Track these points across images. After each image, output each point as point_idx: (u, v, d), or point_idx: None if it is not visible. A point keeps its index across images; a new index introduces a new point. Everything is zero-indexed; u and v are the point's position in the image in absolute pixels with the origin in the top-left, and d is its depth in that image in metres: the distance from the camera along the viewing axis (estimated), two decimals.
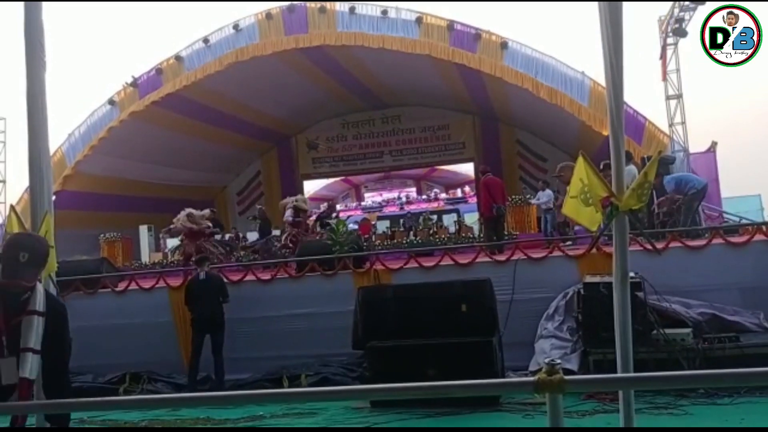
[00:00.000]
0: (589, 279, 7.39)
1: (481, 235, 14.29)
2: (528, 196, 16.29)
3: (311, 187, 25.43)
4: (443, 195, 28.78)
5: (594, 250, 8.02)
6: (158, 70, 16.33)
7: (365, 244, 13.98)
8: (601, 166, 6.90)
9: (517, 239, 12.72)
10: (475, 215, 17.99)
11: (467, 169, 24.35)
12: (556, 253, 8.48)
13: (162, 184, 19.41)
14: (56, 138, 16.76)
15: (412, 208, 26.08)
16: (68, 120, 25.05)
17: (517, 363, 7.44)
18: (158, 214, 19.44)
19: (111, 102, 16.60)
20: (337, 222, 9.89)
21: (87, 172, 17.01)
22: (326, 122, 22.81)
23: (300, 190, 23.15)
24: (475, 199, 23.85)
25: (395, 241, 16.49)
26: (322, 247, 9.77)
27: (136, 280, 9.73)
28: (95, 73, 39.96)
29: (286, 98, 19.19)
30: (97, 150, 16.68)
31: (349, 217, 20.45)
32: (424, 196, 28.96)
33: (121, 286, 9.77)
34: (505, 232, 13.25)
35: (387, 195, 30.77)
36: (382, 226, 19.19)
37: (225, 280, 8.85)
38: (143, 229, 18.85)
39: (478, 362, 6.52)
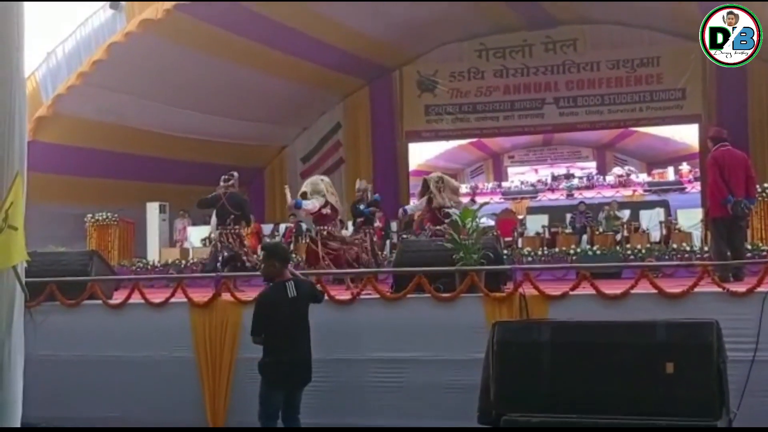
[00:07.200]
0: None
1: (706, 248, 13.95)
2: None
3: (422, 153, 25.55)
4: (643, 176, 28.26)
5: None
6: None
7: (507, 251, 13.92)
8: None
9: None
10: (698, 213, 17.55)
11: (688, 134, 23.77)
12: None
13: (185, 139, 20.08)
14: (30, 59, 17.70)
15: (589, 195, 25.79)
16: (49, 32, 26.39)
17: None
18: (177, 186, 20.12)
19: (113, 5, 17.18)
20: (463, 212, 9.83)
21: (72, 113, 17.75)
22: (451, 47, 22.89)
23: (403, 155, 23.41)
24: (697, 186, 23.27)
25: (557, 249, 16.61)
26: (435, 252, 9.81)
27: (140, 288, 10.00)
28: None
29: (390, 7, 19.27)
30: (88, 80, 17.33)
31: (482, 205, 20.45)
32: (609, 178, 28.56)
33: (119, 296, 10.18)
34: (748, 245, 12.86)
35: (546, 171, 30.58)
36: (536, 223, 19.30)
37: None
38: (152, 209, 19.69)
39: None
